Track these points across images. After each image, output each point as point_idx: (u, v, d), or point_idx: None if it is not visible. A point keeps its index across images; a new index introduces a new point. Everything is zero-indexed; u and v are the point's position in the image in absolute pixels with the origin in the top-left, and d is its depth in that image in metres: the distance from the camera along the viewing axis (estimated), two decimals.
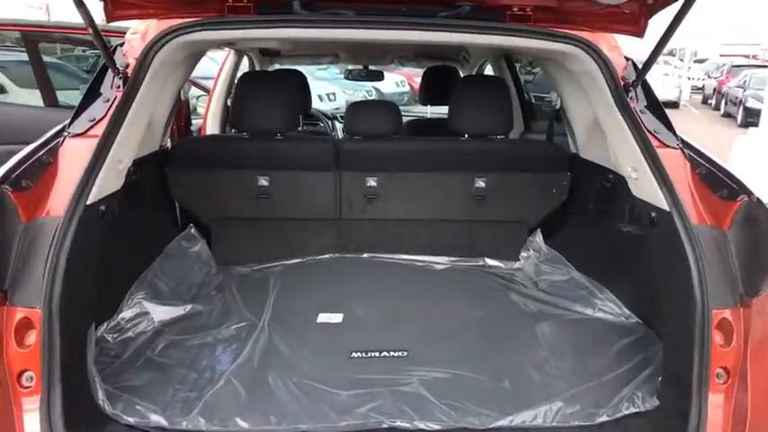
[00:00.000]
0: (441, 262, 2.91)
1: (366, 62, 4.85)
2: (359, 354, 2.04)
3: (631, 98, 2.06)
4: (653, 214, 1.86)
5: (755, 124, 13.28)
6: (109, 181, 1.85)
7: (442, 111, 5.41)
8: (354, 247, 2.95)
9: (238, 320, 2.24)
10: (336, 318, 2.27)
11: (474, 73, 4.31)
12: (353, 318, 2.28)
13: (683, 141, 2.01)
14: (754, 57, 22.37)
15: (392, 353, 2.04)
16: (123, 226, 2.10)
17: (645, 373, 1.85)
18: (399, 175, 2.84)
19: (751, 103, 14.50)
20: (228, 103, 4.00)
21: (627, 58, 2.21)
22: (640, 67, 2.15)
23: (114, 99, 1.95)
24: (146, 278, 2.32)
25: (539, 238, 2.89)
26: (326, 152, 2.82)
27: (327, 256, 2.92)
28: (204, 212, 2.87)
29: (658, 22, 2.11)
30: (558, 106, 2.92)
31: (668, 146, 1.96)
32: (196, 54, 2.70)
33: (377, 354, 2.04)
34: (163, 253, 2.54)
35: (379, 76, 5.15)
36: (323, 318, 2.27)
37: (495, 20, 2.09)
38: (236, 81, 2.84)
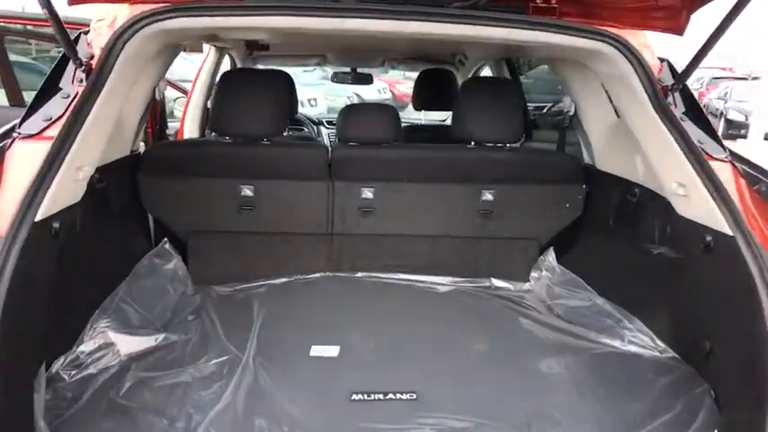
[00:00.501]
0: (444, 283, 2.63)
1: (355, 64, 4.58)
2: (360, 396, 1.75)
3: (670, 104, 1.82)
4: (708, 238, 1.62)
5: (737, 136, 13.44)
6: (65, 192, 1.55)
7: (436, 116, 5.20)
8: (347, 265, 2.66)
9: (219, 354, 1.93)
10: (332, 351, 1.98)
11: (470, 76, 4.07)
12: (351, 351, 1.99)
13: (731, 153, 1.78)
14: (731, 69, 22.70)
15: (399, 395, 1.75)
16: (85, 243, 1.79)
17: (697, 423, 1.59)
18: (398, 186, 2.57)
19: (732, 115, 14.63)
20: (208, 106, 3.70)
21: (661, 59, 1.98)
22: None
23: (76, 95, 1.65)
24: (111, 303, 2.00)
25: (551, 257, 2.65)
26: (319, 160, 2.53)
27: (318, 275, 2.63)
28: (180, 225, 2.56)
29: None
30: (571, 112, 2.69)
31: (716, 158, 1.73)
32: (172, 48, 2.40)
33: (381, 396, 1.75)
34: (132, 272, 2.22)
35: (368, 80, 4.88)
36: (316, 351, 1.98)
37: (516, 12, 1.84)
38: (217, 80, 2.54)
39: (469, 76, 4.28)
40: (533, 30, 1.84)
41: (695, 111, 1.84)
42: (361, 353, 1.98)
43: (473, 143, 2.58)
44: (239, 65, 4.12)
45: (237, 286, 2.53)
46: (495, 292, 2.59)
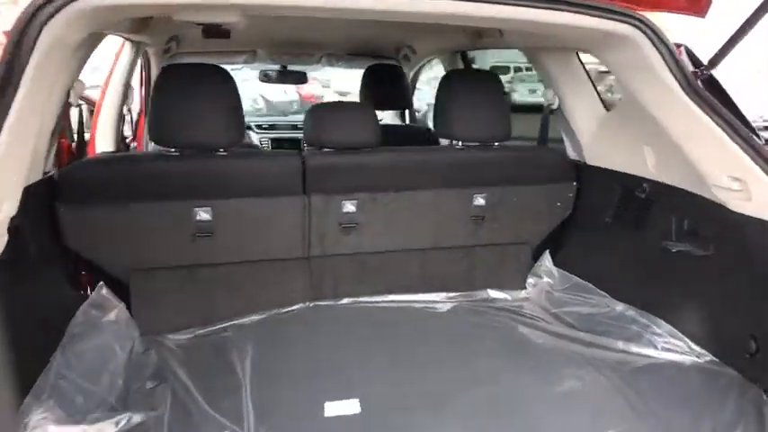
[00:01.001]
0: (439, 300, 2.35)
1: (288, 61, 4.14)
2: None
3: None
4: None
5: None
6: None
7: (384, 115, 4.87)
8: (330, 292, 2.29)
9: None
10: (351, 406, 1.60)
11: (453, 69, 3.74)
12: (373, 402, 1.63)
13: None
14: None
15: None
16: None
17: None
18: (384, 197, 2.24)
19: None
20: (124, 112, 3.11)
21: (677, 45, 1.81)
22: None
23: None
24: (45, 383, 1.48)
25: (548, 261, 2.45)
26: (290, 170, 2.13)
27: (296, 307, 2.23)
28: (119, 264, 2.04)
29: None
30: (554, 106, 2.51)
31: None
32: (94, 39, 1.89)
33: None
34: (65, 334, 1.69)
35: (300, 78, 4.45)
36: (333, 409, 1.59)
37: None
38: (152, 78, 2.04)
39: (413, 72, 4.02)
40: (553, 9, 1.59)
41: (725, 101, 1.69)
42: (386, 403, 1.63)
43: (461, 144, 2.31)
44: (154, 64, 3.53)
45: (198, 331, 2.07)
46: (495, 305, 2.35)
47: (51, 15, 1.23)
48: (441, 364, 1.87)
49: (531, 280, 2.47)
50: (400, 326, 2.15)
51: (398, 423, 1.56)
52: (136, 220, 2.00)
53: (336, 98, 8.48)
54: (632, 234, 2.15)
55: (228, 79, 2.08)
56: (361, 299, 2.28)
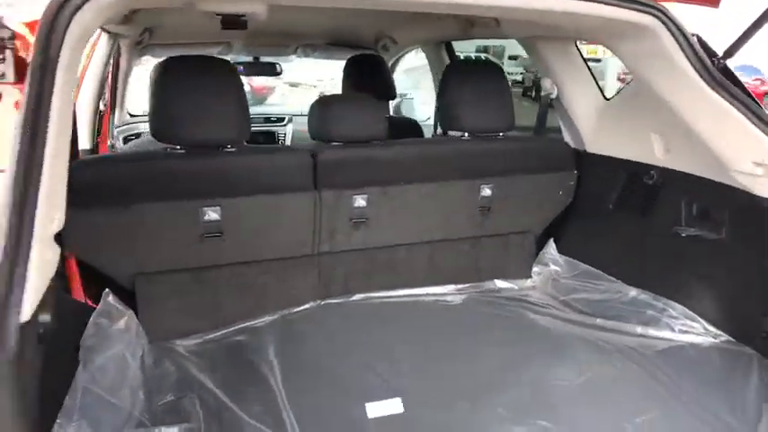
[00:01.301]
0: (448, 293, 2.34)
1: (262, 52, 4.00)
2: None
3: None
4: None
5: None
6: (45, 266, 0.96)
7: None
8: (339, 288, 2.23)
9: None
10: (394, 406, 1.57)
11: (459, 59, 3.69)
12: (415, 399, 1.60)
13: None
14: None
15: None
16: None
17: None
18: (394, 190, 2.20)
19: None
20: (101, 108, 2.93)
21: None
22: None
23: None
24: (73, 402, 1.37)
25: (552, 249, 2.49)
26: (302, 166, 2.05)
27: (307, 306, 2.16)
28: (123, 268, 1.91)
29: None
30: (553, 95, 2.54)
31: None
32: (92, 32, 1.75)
33: None
34: (81, 348, 1.57)
35: (273, 70, 4.31)
36: (375, 409, 1.55)
37: None
38: (152, 71, 1.91)
39: (391, 62, 3.98)
40: (582, 0, 1.60)
41: (741, 88, 1.76)
42: (427, 400, 1.61)
43: (466, 135, 2.30)
44: (125, 56, 3.34)
45: (207, 336, 1.98)
46: (504, 295, 2.36)
47: (81, 5, 1.13)
48: (467, 356, 1.86)
49: (536, 269, 2.50)
50: (416, 321, 2.12)
51: (443, 420, 1.54)
52: (140, 221, 1.88)
53: (288, 90, 8.28)
54: (638, 220, 2.21)
55: (234, 73, 1.98)
56: (371, 294, 2.24)
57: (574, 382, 1.72)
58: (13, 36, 1.14)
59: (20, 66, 1.12)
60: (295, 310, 2.13)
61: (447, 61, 3.50)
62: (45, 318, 0.94)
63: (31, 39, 1.16)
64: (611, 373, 1.76)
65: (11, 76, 1.11)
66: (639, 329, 1.99)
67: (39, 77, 1.03)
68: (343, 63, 3.54)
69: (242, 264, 2.08)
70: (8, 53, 1.09)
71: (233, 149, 1.97)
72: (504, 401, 1.60)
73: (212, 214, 1.94)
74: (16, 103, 1.13)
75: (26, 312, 0.83)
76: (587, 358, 1.85)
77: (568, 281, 2.36)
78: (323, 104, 2.22)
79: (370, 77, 3.55)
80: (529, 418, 1.53)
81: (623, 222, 2.29)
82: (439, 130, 2.59)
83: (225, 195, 1.95)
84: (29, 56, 1.12)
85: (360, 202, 2.15)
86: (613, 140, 2.35)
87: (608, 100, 2.41)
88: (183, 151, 1.91)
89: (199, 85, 1.88)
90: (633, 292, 2.14)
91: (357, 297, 2.23)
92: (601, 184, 2.39)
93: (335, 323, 2.09)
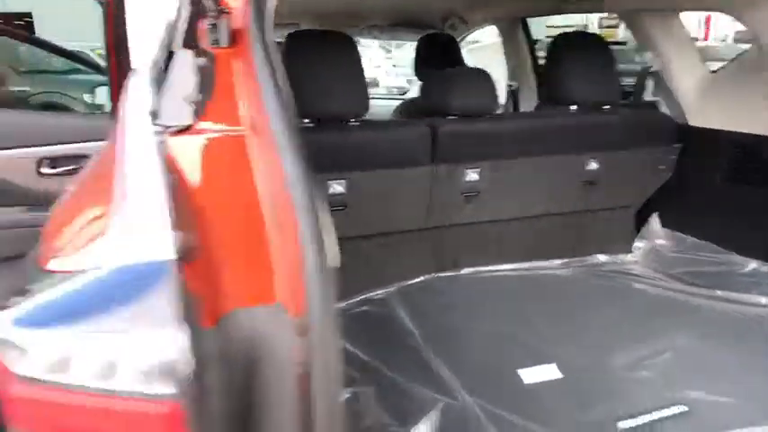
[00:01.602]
0: (554, 267, 2.34)
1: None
2: (629, 423, 1.40)
3: None
4: None
5: None
6: None
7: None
8: (450, 262, 2.25)
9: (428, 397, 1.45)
10: (549, 372, 1.58)
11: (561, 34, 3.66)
12: (568, 365, 1.61)
13: None
14: None
15: (668, 410, 1.44)
16: None
17: None
18: (505, 164, 2.19)
19: None
20: None
21: None
22: None
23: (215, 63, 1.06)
24: None
25: (656, 222, 2.47)
26: (422, 139, 2.05)
27: (422, 278, 2.18)
28: None
29: None
30: (655, 68, 2.51)
31: None
32: None
33: (651, 417, 1.42)
34: None
35: None
36: (530, 375, 1.57)
37: None
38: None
39: (460, 39, 3.94)
40: None
41: None
42: (581, 366, 1.62)
43: (576, 107, 2.29)
44: None
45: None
46: (611, 269, 2.36)
47: None
48: (601, 327, 1.86)
49: (638, 243, 2.48)
50: (532, 293, 2.13)
51: (602, 387, 1.55)
52: None
53: None
54: (753, 191, 2.18)
55: (355, 47, 1.98)
56: (480, 268, 2.25)
57: (718, 352, 1.72)
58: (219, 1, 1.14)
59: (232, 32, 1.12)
60: (409, 282, 2.15)
61: (523, 37, 3.47)
62: None
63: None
64: (753, 344, 1.75)
65: (225, 41, 1.11)
66: (764, 300, 1.98)
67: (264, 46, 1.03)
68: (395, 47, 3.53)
69: (363, 237, 2.09)
70: (223, 19, 1.09)
71: (357, 123, 1.97)
72: (658, 368, 1.61)
73: (338, 187, 1.95)
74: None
75: None
76: (722, 329, 1.84)
77: (676, 254, 2.35)
78: (438, 77, 2.21)
79: (442, 56, 3.53)
80: (687, 388, 1.53)
81: (737, 195, 2.27)
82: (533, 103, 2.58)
83: (350, 169, 1.95)
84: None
85: (472, 176, 2.15)
86: (722, 113, 2.31)
87: (713, 72, 2.38)
88: (311, 125, 1.92)
89: (326, 59, 1.89)
90: (753, 264, 2.12)
91: (466, 271, 2.24)
92: (706, 157, 2.36)
93: (455, 295, 2.10)
